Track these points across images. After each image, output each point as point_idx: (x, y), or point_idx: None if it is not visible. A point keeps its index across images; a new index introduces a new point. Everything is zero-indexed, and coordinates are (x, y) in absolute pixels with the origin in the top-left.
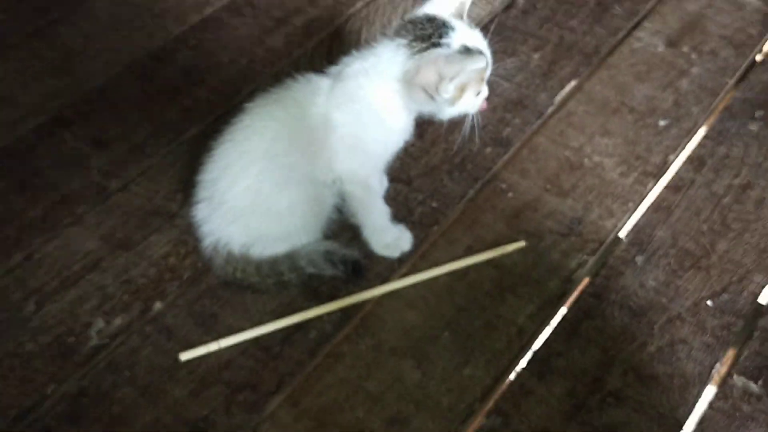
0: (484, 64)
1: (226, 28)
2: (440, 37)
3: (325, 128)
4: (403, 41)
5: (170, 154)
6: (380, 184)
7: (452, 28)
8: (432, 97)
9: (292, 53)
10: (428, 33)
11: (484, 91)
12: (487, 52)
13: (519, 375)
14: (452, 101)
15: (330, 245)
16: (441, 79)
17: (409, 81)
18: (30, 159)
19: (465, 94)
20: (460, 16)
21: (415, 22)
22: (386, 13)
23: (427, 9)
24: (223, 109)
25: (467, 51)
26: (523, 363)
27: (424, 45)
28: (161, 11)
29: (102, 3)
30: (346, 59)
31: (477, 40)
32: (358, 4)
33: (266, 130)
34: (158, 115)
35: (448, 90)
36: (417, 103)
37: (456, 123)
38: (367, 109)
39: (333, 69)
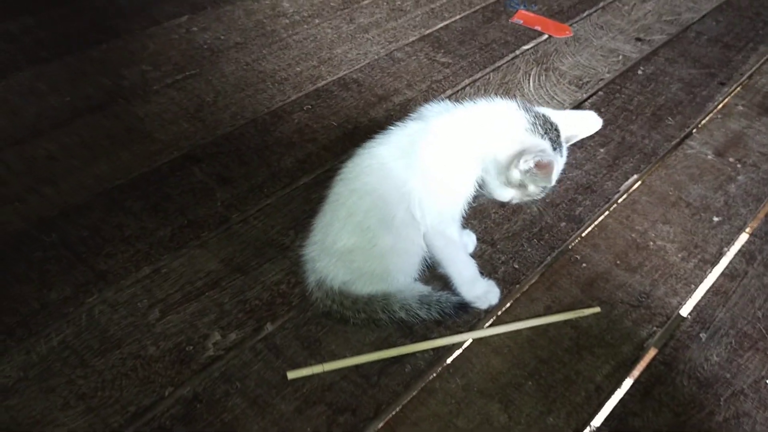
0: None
1: (335, 99)
2: (554, 142)
3: (420, 169)
4: (527, 116)
5: (285, 197)
6: (460, 235)
7: (561, 149)
8: (507, 167)
9: (391, 125)
10: (549, 130)
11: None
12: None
13: (598, 429)
14: (509, 181)
15: (424, 289)
16: (524, 158)
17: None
18: (163, 186)
19: (515, 187)
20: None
21: (543, 118)
22: None
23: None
24: (332, 163)
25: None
26: (600, 418)
27: (543, 130)
28: (281, 79)
29: (231, 67)
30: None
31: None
32: (448, 92)
33: (373, 169)
34: (275, 163)
35: (522, 169)
36: (491, 161)
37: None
38: (449, 152)
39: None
